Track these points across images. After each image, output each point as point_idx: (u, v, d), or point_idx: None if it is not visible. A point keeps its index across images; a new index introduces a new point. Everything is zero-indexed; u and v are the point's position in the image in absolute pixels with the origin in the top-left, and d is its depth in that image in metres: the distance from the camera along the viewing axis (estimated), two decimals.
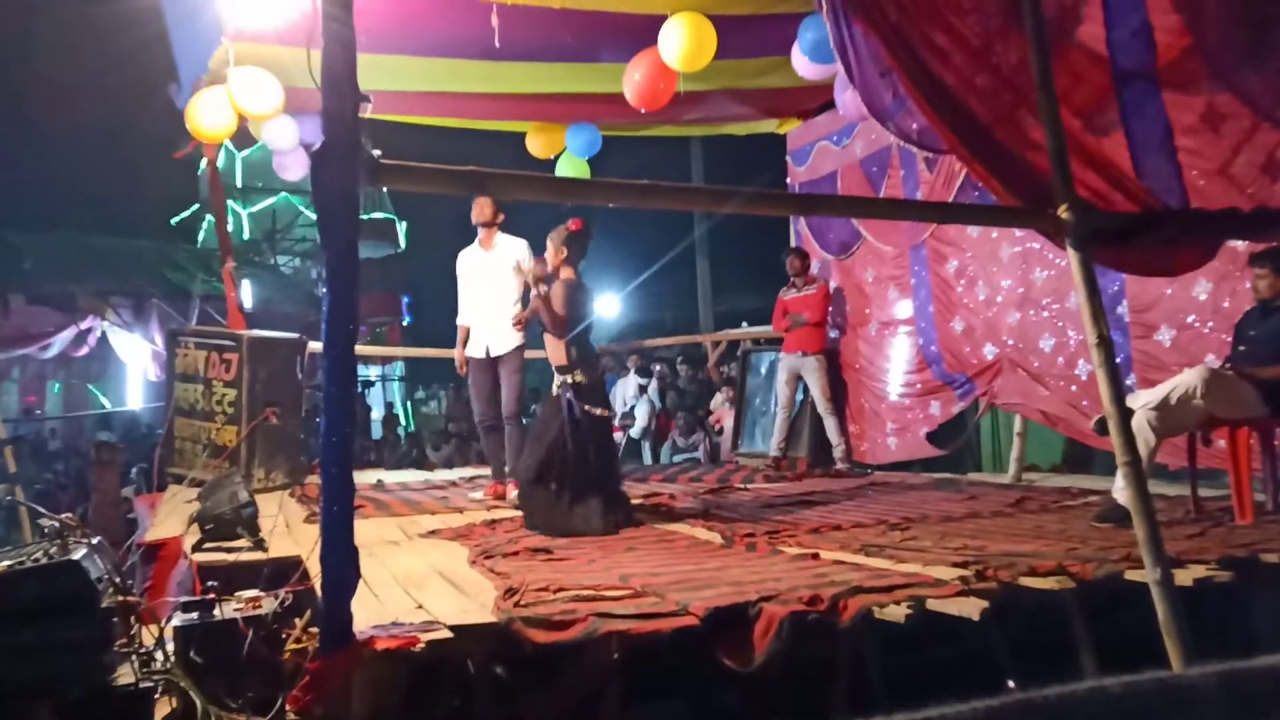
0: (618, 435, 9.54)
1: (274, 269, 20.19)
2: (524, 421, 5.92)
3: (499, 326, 5.76)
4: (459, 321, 6.00)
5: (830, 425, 7.54)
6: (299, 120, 7.12)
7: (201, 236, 21.78)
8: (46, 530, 2.97)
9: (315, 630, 2.75)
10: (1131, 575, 3.09)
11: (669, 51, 6.04)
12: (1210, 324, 5.19)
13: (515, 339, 5.74)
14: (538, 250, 5.24)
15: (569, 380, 4.71)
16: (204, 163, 10.56)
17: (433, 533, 4.61)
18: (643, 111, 6.86)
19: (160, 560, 4.54)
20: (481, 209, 5.77)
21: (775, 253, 8.11)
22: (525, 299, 5.69)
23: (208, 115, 6.25)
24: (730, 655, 2.72)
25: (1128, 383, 5.32)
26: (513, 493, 5.52)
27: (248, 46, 6.07)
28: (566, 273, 4.89)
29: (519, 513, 5.16)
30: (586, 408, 4.67)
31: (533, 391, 9.43)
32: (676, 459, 8.97)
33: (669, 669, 2.95)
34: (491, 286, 5.81)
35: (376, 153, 2.62)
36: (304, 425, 6.82)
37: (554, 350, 4.80)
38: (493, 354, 5.76)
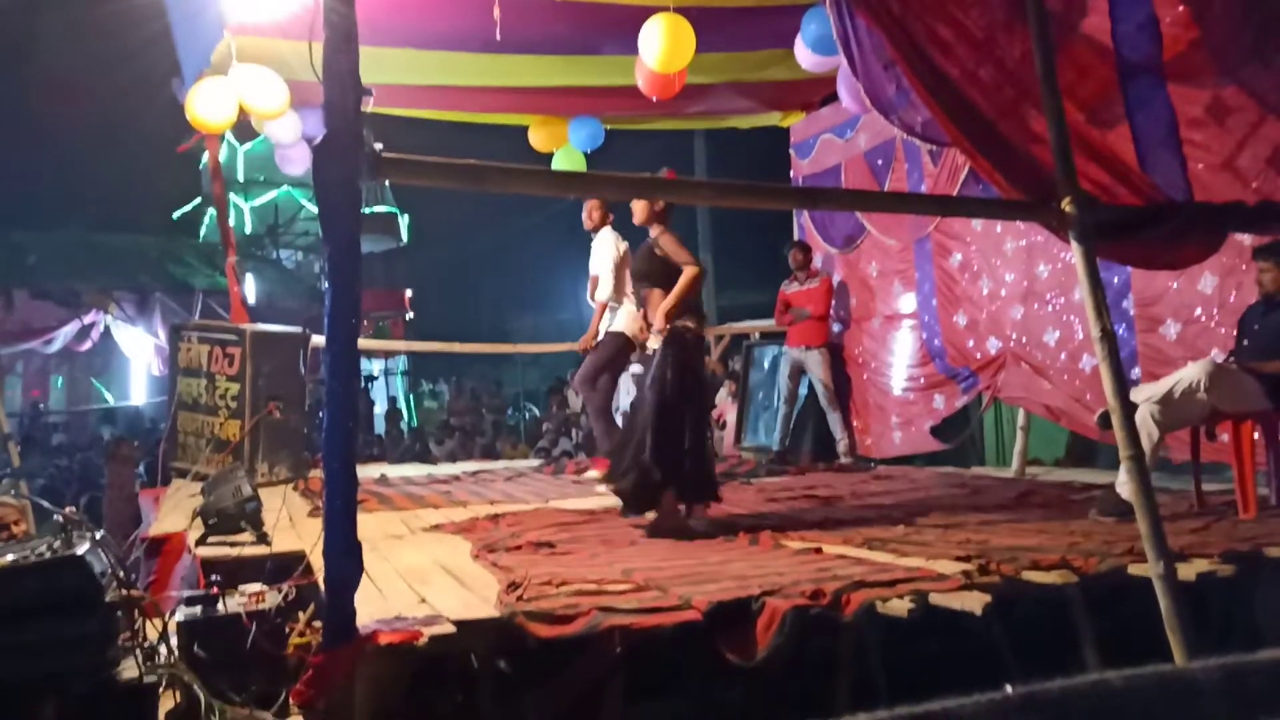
0: None
1: (276, 263, 20.19)
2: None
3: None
4: None
5: (833, 419, 7.53)
6: (301, 114, 7.11)
7: (204, 231, 21.74)
8: None
9: (318, 624, 2.76)
10: (1134, 569, 3.09)
11: (648, 54, 5.98)
12: (1216, 318, 5.17)
13: (605, 326, 6.30)
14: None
15: (681, 325, 4.33)
16: (206, 157, 10.58)
17: (436, 527, 4.61)
18: (655, 100, 6.80)
19: (164, 555, 4.55)
20: (589, 213, 6.38)
21: (778, 247, 8.10)
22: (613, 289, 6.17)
23: (207, 105, 6.21)
24: (733, 649, 2.72)
25: (1133, 376, 5.30)
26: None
27: (250, 40, 6.06)
28: (659, 230, 4.63)
29: (519, 507, 5.14)
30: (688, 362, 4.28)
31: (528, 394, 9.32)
32: None
33: (671, 663, 2.94)
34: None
35: (378, 146, 2.62)
36: (307, 419, 6.82)
37: (657, 304, 4.44)
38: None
